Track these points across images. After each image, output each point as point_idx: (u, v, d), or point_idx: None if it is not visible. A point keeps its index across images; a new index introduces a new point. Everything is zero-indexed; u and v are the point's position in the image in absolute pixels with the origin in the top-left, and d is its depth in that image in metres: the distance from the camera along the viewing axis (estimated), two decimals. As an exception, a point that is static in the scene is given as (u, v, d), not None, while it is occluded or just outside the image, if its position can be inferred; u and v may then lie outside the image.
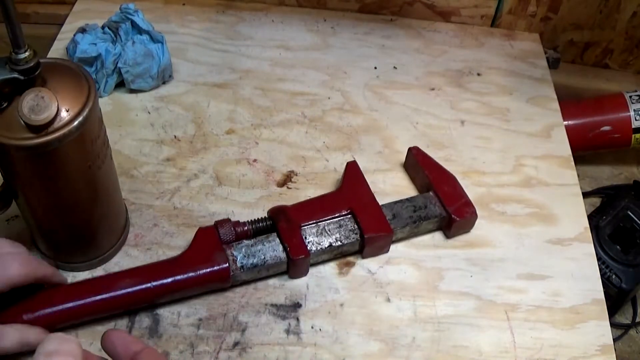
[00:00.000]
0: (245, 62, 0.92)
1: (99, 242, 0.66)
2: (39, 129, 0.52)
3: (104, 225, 0.65)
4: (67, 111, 0.53)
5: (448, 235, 0.74)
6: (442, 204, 0.72)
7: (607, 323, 0.69)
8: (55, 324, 0.61)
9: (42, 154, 0.53)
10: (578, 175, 0.84)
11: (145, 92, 0.85)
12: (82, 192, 0.60)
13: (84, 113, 0.54)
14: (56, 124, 0.53)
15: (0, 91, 0.52)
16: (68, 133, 0.53)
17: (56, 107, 0.52)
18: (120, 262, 0.68)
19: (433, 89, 0.91)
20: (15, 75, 0.51)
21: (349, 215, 0.70)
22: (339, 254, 0.70)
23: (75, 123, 0.53)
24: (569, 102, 0.97)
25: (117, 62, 0.81)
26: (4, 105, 0.52)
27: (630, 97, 0.96)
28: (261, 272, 0.66)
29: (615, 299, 0.88)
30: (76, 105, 0.54)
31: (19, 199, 0.60)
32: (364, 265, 0.71)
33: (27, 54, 0.51)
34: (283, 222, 0.68)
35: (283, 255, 0.66)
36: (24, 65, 0.51)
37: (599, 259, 0.81)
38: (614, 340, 0.84)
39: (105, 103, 0.83)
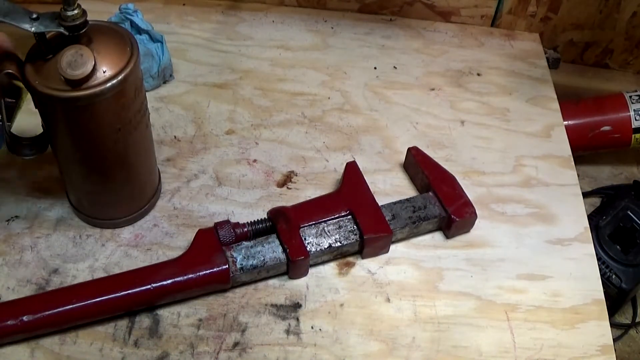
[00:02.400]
0: (245, 62, 0.92)
1: (123, 204, 0.69)
2: (74, 84, 0.55)
3: (128, 189, 0.68)
4: (104, 72, 0.56)
5: (448, 236, 0.74)
6: (441, 204, 0.72)
7: (607, 323, 0.69)
8: (57, 326, 0.61)
9: (75, 107, 0.56)
10: (578, 175, 0.84)
11: (146, 92, 0.85)
12: (109, 153, 0.62)
13: (120, 77, 0.56)
14: (91, 82, 0.55)
15: (47, 43, 0.56)
16: (100, 92, 0.56)
17: (92, 65, 0.55)
18: (120, 262, 0.68)
19: (433, 89, 0.91)
20: (62, 30, 0.55)
21: (349, 216, 0.70)
22: (338, 255, 0.70)
23: (109, 84, 0.56)
24: (569, 102, 0.97)
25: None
26: (49, 57, 0.56)
27: (630, 97, 0.96)
28: (261, 274, 0.67)
29: (615, 299, 0.88)
30: (114, 67, 0.57)
31: (55, 150, 0.63)
32: (363, 266, 0.71)
33: (75, 12, 0.54)
34: (282, 224, 0.68)
35: (283, 256, 0.66)
36: (71, 22, 0.55)
37: (599, 259, 0.82)
38: (614, 340, 0.84)
39: (105, 103, 0.83)
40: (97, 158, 0.62)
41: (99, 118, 0.58)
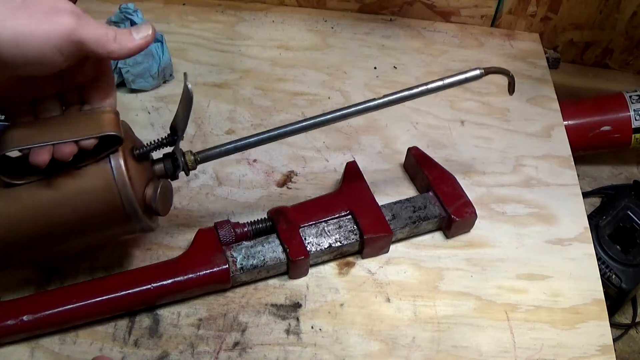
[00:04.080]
0: (245, 62, 0.92)
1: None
2: (153, 213, 0.58)
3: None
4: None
5: (448, 235, 0.74)
6: (441, 204, 0.72)
7: (607, 323, 0.69)
8: (57, 325, 0.61)
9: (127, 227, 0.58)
10: (578, 175, 0.84)
11: (146, 92, 0.85)
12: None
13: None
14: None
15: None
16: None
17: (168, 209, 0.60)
18: (120, 262, 0.68)
19: (433, 89, 0.91)
20: (177, 168, 0.61)
21: (349, 216, 0.70)
22: (338, 255, 0.70)
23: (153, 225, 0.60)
24: (569, 102, 0.97)
25: (117, 62, 0.81)
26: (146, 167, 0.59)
27: (630, 97, 0.96)
28: (261, 273, 0.67)
29: (615, 299, 0.88)
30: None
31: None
32: (364, 266, 0.71)
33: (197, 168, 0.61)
34: (282, 223, 0.68)
35: (283, 256, 0.66)
36: (186, 169, 0.61)
37: (599, 259, 0.82)
38: (614, 340, 0.84)
39: (105, 103, 0.83)
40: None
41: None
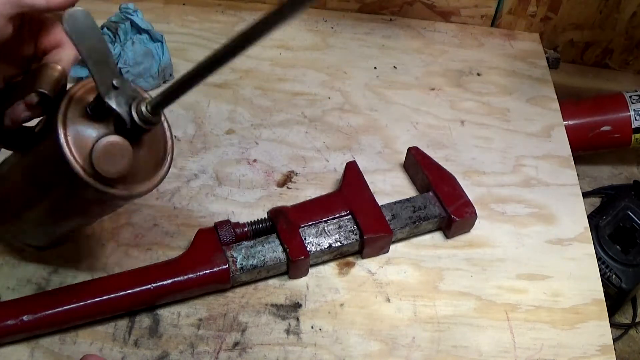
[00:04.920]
0: (245, 62, 0.92)
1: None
2: (99, 177, 0.49)
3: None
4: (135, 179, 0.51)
5: (448, 235, 0.74)
6: (441, 204, 0.72)
7: (607, 323, 0.69)
8: (57, 325, 0.61)
9: (84, 194, 0.51)
10: (578, 175, 0.84)
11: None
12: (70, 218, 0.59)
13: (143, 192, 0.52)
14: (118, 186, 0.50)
15: (101, 110, 0.49)
16: (114, 196, 0.51)
17: (125, 169, 0.49)
18: (120, 262, 0.68)
19: (433, 89, 0.91)
20: (127, 122, 0.48)
21: (349, 216, 0.70)
22: (338, 255, 0.70)
23: (134, 193, 0.51)
24: (569, 102, 0.97)
25: (117, 63, 0.81)
26: (93, 125, 0.49)
27: (630, 97, 0.96)
28: (261, 273, 0.67)
29: (615, 299, 0.88)
30: (145, 183, 0.52)
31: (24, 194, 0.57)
32: (364, 266, 0.71)
33: (156, 117, 0.49)
34: (282, 223, 0.68)
35: (283, 256, 0.66)
36: (143, 123, 0.49)
37: (599, 259, 0.82)
38: (614, 340, 0.84)
39: (105, 103, 0.83)
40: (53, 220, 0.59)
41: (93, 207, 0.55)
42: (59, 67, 0.51)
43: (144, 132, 0.50)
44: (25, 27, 0.52)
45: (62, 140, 0.48)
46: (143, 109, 0.48)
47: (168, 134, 0.56)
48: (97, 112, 0.49)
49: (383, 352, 0.64)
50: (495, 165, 0.83)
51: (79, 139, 0.48)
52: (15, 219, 0.60)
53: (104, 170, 0.48)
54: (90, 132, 0.49)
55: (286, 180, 0.78)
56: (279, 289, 0.68)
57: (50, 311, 0.60)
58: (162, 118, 0.54)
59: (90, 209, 0.57)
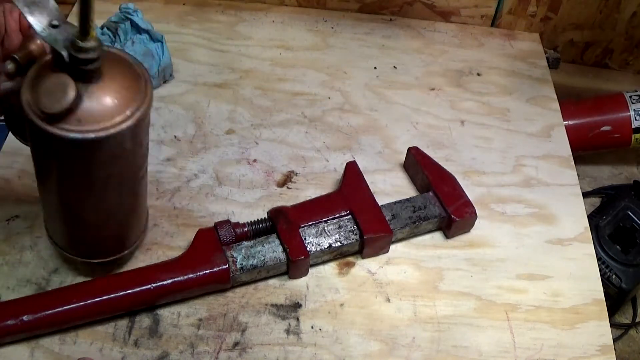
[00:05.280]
0: (245, 62, 0.92)
1: (99, 247, 0.63)
2: (49, 118, 0.48)
3: (104, 236, 0.62)
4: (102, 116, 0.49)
5: (448, 235, 0.74)
6: (441, 204, 0.72)
7: (607, 323, 0.69)
8: (57, 325, 0.61)
9: (50, 144, 0.50)
10: (578, 175, 0.84)
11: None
12: (90, 200, 0.57)
13: (111, 130, 0.49)
14: (70, 122, 0.48)
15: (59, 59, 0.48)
16: (82, 140, 0.49)
17: (70, 102, 0.47)
18: (120, 262, 0.68)
19: (433, 89, 0.91)
20: (64, 56, 0.48)
21: (349, 216, 0.70)
22: (338, 255, 0.70)
23: (102, 135, 0.49)
24: (569, 102, 0.97)
25: (117, 62, 0.81)
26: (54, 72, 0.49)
27: (630, 97, 0.96)
28: (261, 273, 0.67)
29: (615, 299, 0.88)
30: (107, 117, 0.49)
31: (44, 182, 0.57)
32: (364, 266, 0.71)
33: (90, 44, 0.47)
34: (282, 223, 0.68)
35: (283, 256, 0.66)
36: (80, 53, 0.47)
37: (599, 259, 0.81)
38: (614, 340, 0.84)
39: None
40: (73, 200, 0.57)
41: (81, 164, 0.52)
42: (38, 41, 0.53)
43: (87, 66, 0.48)
44: None
45: (23, 96, 0.49)
46: (75, 38, 0.47)
47: (141, 71, 0.53)
48: (58, 64, 0.49)
49: (383, 352, 0.64)
50: (495, 165, 0.83)
51: (34, 89, 0.49)
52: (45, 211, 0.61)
53: (47, 107, 0.47)
54: (44, 80, 0.49)
55: (286, 180, 0.78)
56: (279, 289, 0.68)
57: (50, 311, 0.60)
58: (131, 59, 0.53)
59: (73, 170, 0.53)
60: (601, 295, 0.71)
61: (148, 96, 0.52)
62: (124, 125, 0.50)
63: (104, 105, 0.49)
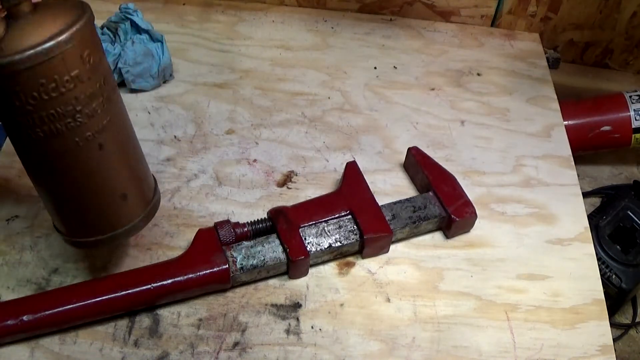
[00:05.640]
0: (245, 62, 0.92)
1: (92, 220, 0.57)
2: None
3: (91, 204, 0.56)
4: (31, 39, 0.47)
5: (448, 235, 0.74)
6: (441, 204, 0.72)
7: (607, 323, 0.69)
8: (57, 325, 0.61)
9: None
10: (578, 175, 0.84)
11: (145, 92, 0.85)
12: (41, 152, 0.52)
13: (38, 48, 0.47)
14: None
15: None
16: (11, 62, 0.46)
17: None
18: (120, 262, 0.68)
19: (433, 89, 0.91)
20: None
21: (349, 216, 0.70)
22: (338, 255, 0.70)
23: (25, 54, 0.47)
24: (569, 102, 0.97)
25: (117, 63, 0.81)
26: None
27: (630, 97, 0.96)
28: (261, 273, 0.67)
29: (615, 299, 0.88)
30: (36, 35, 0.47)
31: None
32: (364, 266, 0.71)
33: None
34: (282, 223, 0.68)
35: (283, 256, 0.66)
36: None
37: (599, 259, 0.81)
38: (614, 340, 0.84)
39: (105, 103, 0.83)
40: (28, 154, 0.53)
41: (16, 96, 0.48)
42: None
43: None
44: None
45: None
46: None
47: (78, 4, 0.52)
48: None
49: (383, 352, 0.64)
50: (495, 165, 0.83)
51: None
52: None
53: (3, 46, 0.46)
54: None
55: (286, 180, 0.78)
56: (279, 289, 0.68)
57: (50, 311, 0.60)
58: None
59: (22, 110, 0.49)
60: (601, 295, 0.71)
61: (83, 20, 0.49)
62: (42, 47, 0.47)
63: (29, 36, 0.48)
